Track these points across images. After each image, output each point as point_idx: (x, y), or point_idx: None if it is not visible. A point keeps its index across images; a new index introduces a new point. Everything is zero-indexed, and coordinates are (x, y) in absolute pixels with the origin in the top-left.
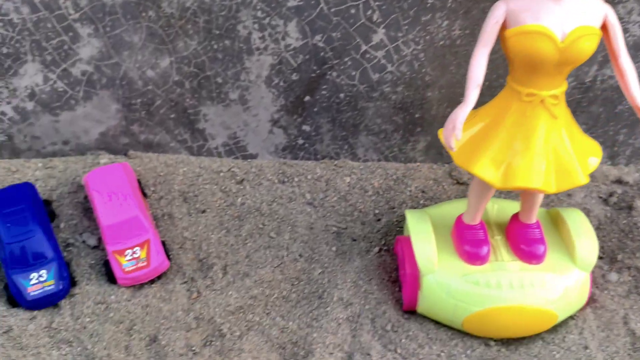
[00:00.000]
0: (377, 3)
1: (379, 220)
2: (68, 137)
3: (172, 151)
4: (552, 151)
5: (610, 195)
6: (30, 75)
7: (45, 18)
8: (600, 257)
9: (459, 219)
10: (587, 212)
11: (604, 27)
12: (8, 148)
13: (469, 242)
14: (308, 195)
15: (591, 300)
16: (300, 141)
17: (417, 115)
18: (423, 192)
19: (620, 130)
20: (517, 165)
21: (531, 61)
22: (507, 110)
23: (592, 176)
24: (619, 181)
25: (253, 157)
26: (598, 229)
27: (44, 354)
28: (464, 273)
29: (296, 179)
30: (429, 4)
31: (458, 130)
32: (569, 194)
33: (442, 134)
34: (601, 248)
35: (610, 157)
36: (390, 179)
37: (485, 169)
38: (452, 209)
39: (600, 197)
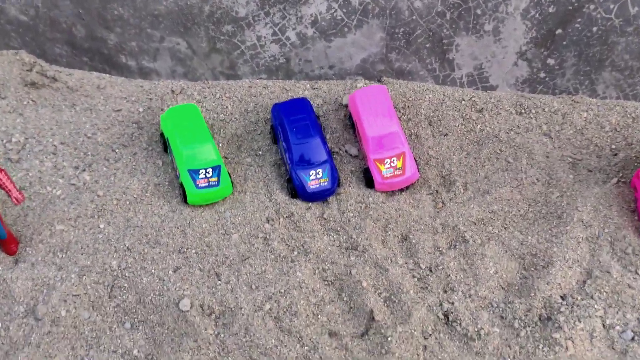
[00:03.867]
0: None
1: (615, 154)
2: (334, 62)
3: (420, 79)
4: None
5: None
6: (317, 5)
7: None
8: None
9: None
10: None
11: None
12: (284, 69)
13: None
14: (544, 126)
15: None
16: (542, 74)
17: (617, 61)
18: None
19: None
20: None
21: None
22: None
23: None
24: None
25: (493, 88)
26: None
27: (317, 238)
28: None
29: (533, 111)
30: None
31: None
32: None
33: None
34: None
35: None
36: (629, 116)
37: None
38: None
39: None
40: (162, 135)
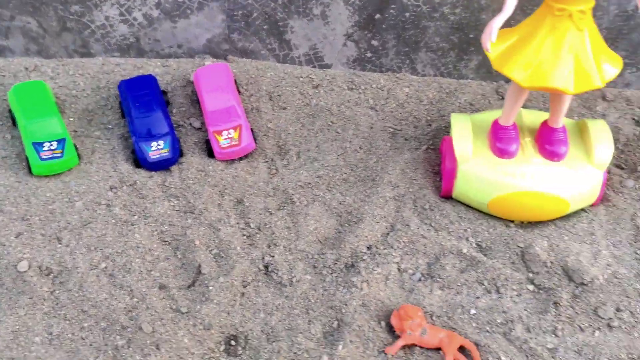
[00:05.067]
0: None
1: (429, 125)
2: (182, 41)
3: (262, 58)
4: (575, 58)
5: None
6: None
7: None
8: (622, 167)
9: (496, 121)
10: (617, 130)
11: None
12: (135, 48)
13: (501, 140)
14: (371, 101)
15: (605, 199)
16: (369, 54)
17: (471, 36)
18: (471, 104)
19: None
20: (543, 69)
21: None
22: (541, 24)
23: (628, 100)
24: None
25: (328, 66)
26: (625, 144)
27: (158, 203)
28: (494, 164)
29: (362, 87)
30: None
31: (493, 34)
32: (603, 114)
33: (481, 37)
34: (624, 161)
35: None
36: (444, 92)
37: (515, 71)
38: (493, 115)
39: (634, 119)
40: (10, 110)
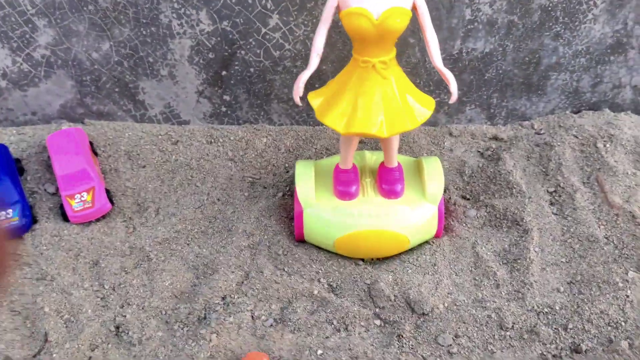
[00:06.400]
0: None
1: (287, 172)
2: (35, 108)
3: (119, 119)
4: (385, 105)
5: (487, 149)
6: (1, 59)
7: (9, 13)
8: (466, 198)
9: (337, 165)
10: (464, 163)
11: (415, 8)
12: None
13: (341, 183)
14: (230, 152)
15: (450, 230)
16: (224, 109)
17: (317, 85)
18: (327, 149)
19: (492, 95)
20: (357, 117)
21: (358, 35)
22: (352, 75)
23: (472, 134)
24: (495, 138)
25: (186, 123)
26: (470, 176)
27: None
28: (336, 206)
29: (221, 140)
30: None
31: (300, 88)
32: (451, 149)
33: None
34: (470, 192)
35: (489, 117)
36: (301, 139)
37: (333, 120)
38: (337, 160)
39: (479, 152)
40: None
